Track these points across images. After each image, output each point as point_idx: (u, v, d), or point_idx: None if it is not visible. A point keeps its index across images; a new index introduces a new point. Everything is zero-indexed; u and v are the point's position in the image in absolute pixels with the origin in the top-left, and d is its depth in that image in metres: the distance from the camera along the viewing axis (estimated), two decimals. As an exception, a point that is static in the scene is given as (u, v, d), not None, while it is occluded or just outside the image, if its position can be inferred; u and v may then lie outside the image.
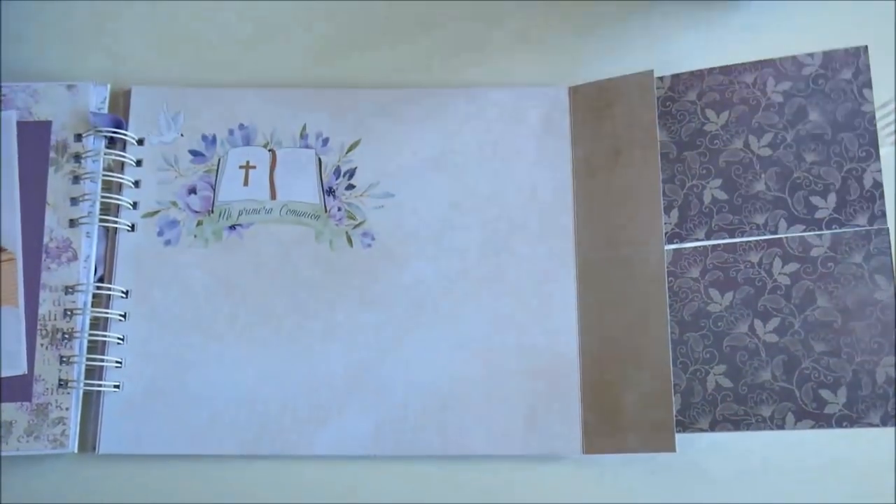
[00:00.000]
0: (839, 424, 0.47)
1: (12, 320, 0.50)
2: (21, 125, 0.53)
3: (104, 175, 0.53)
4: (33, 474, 0.50)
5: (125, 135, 0.54)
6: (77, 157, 0.53)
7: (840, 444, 0.50)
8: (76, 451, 0.50)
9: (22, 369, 0.50)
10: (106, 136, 0.53)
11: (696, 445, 0.50)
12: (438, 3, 0.57)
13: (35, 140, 0.53)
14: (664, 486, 0.50)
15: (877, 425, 0.46)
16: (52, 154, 0.53)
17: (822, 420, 0.47)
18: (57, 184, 0.52)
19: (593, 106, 0.54)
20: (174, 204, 0.53)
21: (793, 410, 0.47)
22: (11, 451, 0.49)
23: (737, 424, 0.48)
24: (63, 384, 0.50)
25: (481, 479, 0.50)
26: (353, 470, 0.50)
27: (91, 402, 0.51)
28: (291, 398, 0.50)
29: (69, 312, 0.51)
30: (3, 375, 0.50)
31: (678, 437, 0.48)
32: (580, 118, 0.54)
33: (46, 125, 0.53)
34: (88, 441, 0.50)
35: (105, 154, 0.53)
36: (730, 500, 0.50)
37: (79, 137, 0.53)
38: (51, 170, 0.52)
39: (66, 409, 0.49)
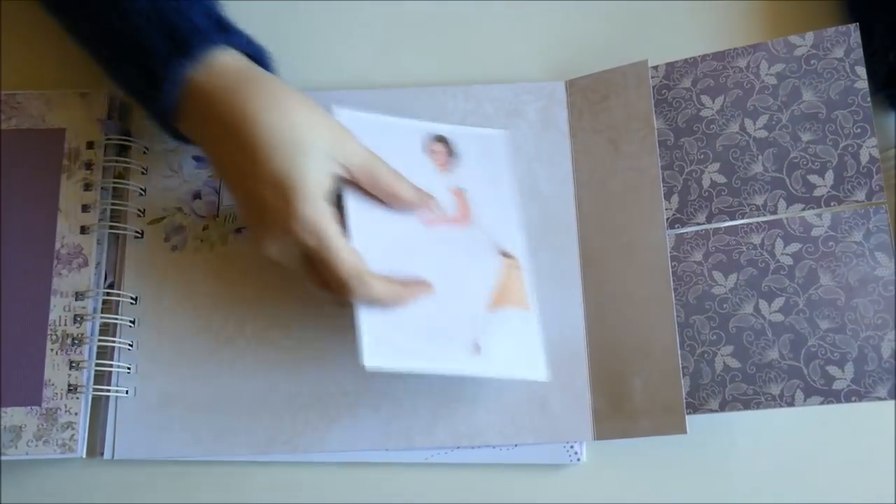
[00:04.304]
0: (847, 399, 0.46)
1: None
2: (35, 133, 0.54)
3: (114, 182, 0.54)
4: (42, 478, 0.50)
5: (135, 142, 0.54)
6: (89, 165, 0.53)
7: (840, 443, 0.50)
8: (84, 455, 0.49)
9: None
10: (118, 144, 0.54)
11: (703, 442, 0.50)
12: (435, 2, 0.58)
13: (49, 147, 0.53)
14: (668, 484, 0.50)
15: (884, 398, 0.46)
16: (64, 161, 0.53)
17: (830, 396, 0.47)
18: (69, 191, 0.53)
19: (590, 98, 0.55)
20: (179, 210, 0.54)
21: (801, 387, 0.47)
22: (20, 455, 0.49)
23: (747, 404, 0.47)
24: (72, 389, 0.50)
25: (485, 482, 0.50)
26: (364, 474, 0.50)
27: (100, 408, 0.51)
28: (302, 398, 0.50)
29: (79, 318, 0.51)
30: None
31: (688, 418, 0.48)
32: (577, 111, 0.55)
33: (60, 132, 0.54)
34: (97, 446, 0.50)
35: (116, 162, 0.54)
36: (733, 499, 0.50)
37: (91, 145, 0.54)
38: (63, 177, 0.53)
39: (76, 413, 0.49)
